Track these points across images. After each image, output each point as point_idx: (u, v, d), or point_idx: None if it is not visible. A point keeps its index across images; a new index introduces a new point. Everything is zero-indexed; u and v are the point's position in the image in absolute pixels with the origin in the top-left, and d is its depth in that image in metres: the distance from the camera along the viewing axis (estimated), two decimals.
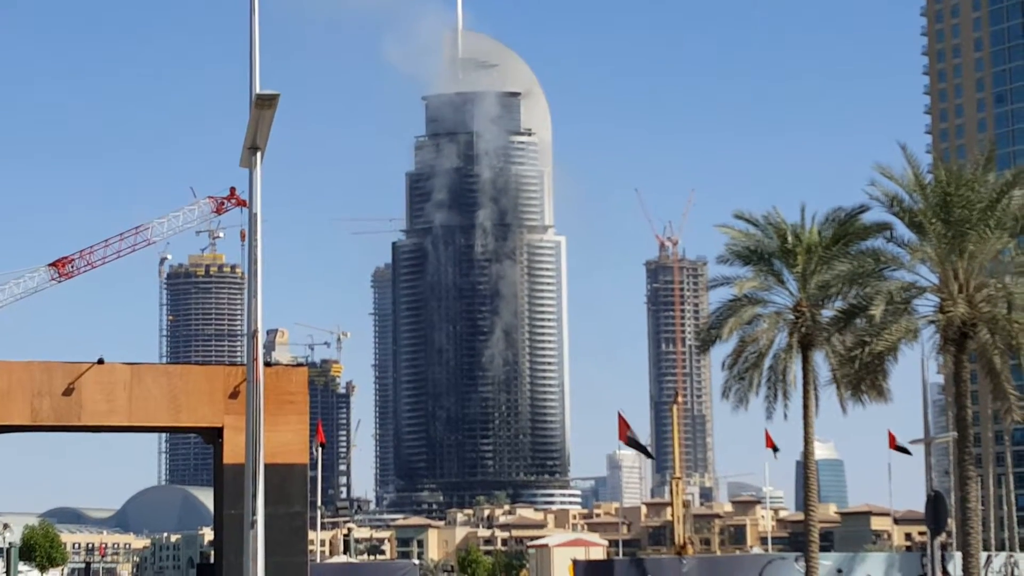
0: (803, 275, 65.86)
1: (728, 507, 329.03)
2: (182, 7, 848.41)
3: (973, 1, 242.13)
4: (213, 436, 40.61)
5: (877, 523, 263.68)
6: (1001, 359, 56.18)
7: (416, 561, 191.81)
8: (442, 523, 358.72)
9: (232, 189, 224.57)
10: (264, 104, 26.03)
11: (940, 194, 56.60)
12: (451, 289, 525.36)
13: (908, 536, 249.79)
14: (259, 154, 27.03)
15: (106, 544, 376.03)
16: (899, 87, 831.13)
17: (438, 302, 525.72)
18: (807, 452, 67.44)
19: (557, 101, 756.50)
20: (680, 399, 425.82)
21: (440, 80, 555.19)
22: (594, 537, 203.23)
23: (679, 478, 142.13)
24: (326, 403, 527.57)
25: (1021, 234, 58.65)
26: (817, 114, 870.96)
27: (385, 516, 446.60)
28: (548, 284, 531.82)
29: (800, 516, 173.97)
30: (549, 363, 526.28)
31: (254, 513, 26.58)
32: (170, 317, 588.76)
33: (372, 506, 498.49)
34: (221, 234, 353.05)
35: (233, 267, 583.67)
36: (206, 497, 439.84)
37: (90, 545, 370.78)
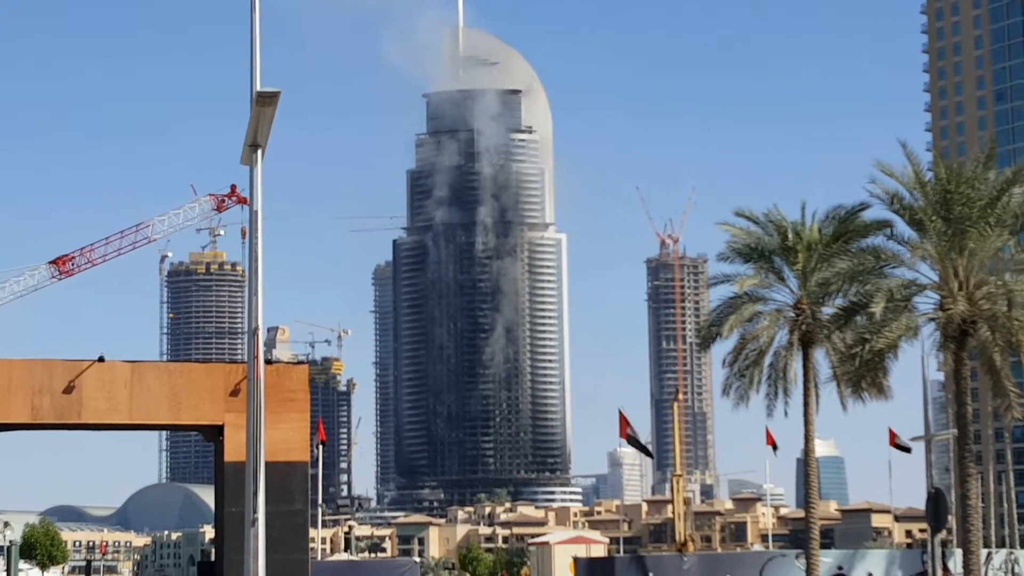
0: (803, 272, 65.89)
1: (729, 504, 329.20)
2: (183, 5, 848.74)
3: None
4: (214, 434, 40.62)
5: (878, 520, 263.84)
6: (1001, 356, 56.19)
7: (417, 559, 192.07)
8: (443, 521, 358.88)
9: (233, 187, 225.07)
10: (265, 101, 26.04)
11: (940, 192, 56.61)
12: (452, 286, 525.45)
13: (909, 533, 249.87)
14: (260, 152, 27.03)
15: (107, 542, 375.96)
16: (899, 84, 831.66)
17: (439, 299, 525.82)
18: (808, 449, 67.45)
19: (558, 98, 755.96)
20: (681, 396, 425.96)
21: (441, 77, 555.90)
22: (595, 535, 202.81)
23: (680, 475, 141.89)
24: (327, 401, 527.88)
25: (1021, 231, 58.66)
26: (817, 112, 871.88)
27: (386, 514, 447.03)
28: (549, 281, 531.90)
29: (801, 513, 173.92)
30: (550, 360, 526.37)
31: (255, 511, 26.60)
32: (171, 315, 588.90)
33: (373, 504, 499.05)
34: (222, 231, 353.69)
35: (234, 265, 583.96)
36: (207, 495, 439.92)
37: (91, 543, 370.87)
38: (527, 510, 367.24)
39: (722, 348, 68.42)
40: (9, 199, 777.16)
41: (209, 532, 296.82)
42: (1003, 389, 56.91)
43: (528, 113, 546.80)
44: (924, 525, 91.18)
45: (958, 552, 66.52)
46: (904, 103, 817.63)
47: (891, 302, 55.29)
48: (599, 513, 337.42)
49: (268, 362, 37.27)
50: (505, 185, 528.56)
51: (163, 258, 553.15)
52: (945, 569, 71.99)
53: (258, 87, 26.40)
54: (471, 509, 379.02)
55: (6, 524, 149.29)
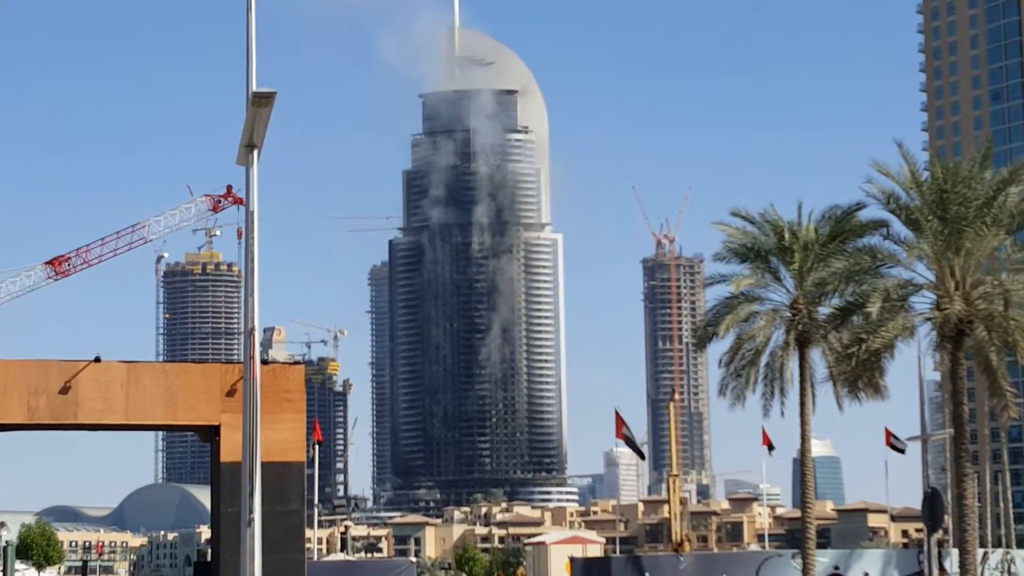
0: (800, 272, 65.90)
1: (725, 504, 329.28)
2: (179, 5, 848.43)
3: None
4: (210, 434, 40.60)
5: (874, 520, 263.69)
6: (997, 356, 56.20)
7: (413, 559, 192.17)
8: (439, 521, 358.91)
9: (229, 187, 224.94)
10: (261, 102, 26.02)
11: (936, 191, 56.60)
12: (448, 286, 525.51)
13: (905, 533, 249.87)
14: (256, 152, 27.00)
15: (103, 542, 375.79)
16: (895, 84, 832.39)
17: (435, 299, 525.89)
18: (804, 449, 67.45)
19: (554, 98, 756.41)
20: (677, 396, 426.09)
21: (437, 78, 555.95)
22: (591, 535, 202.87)
23: (676, 475, 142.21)
24: (323, 401, 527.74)
25: (1018, 231, 58.69)
26: (814, 111, 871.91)
27: (382, 514, 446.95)
28: (545, 281, 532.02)
29: (797, 513, 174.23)
30: (546, 360, 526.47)
31: (251, 511, 26.57)
32: (167, 315, 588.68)
33: (369, 504, 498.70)
34: (218, 232, 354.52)
35: (230, 265, 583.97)
36: (203, 495, 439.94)
37: (87, 543, 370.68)
38: (523, 510, 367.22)
39: (718, 348, 68.49)
40: (5, 199, 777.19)
41: (205, 532, 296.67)
42: (999, 389, 56.91)
43: (524, 113, 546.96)
44: (920, 525, 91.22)
45: (954, 552, 66.55)
46: (900, 103, 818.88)
47: (887, 302, 55.29)
48: (595, 513, 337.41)
49: (264, 362, 37.22)
50: (501, 185, 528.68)
51: (159, 258, 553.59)
52: (941, 569, 72.02)
53: (254, 88, 26.38)
54: (467, 509, 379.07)
55: (2, 524, 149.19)
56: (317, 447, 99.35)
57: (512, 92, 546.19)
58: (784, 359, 66.37)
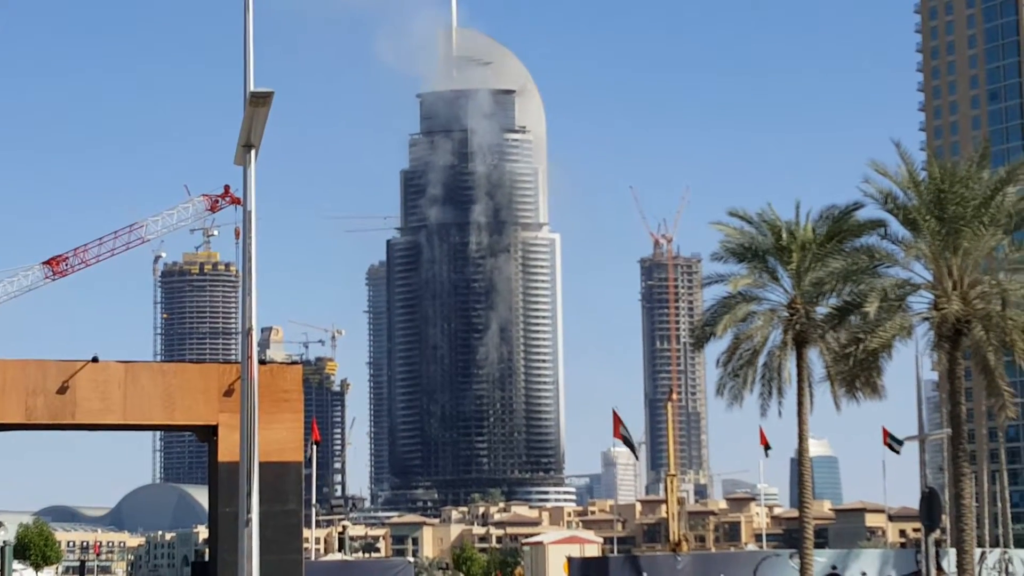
0: (797, 272, 65.89)
1: (723, 504, 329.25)
2: (177, 5, 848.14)
3: None
4: (208, 434, 40.58)
5: (871, 520, 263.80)
6: (995, 356, 56.19)
7: (411, 559, 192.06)
8: (437, 521, 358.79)
9: (226, 187, 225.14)
10: (258, 102, 26.02)
11: (934, 191, 56.59)
12: (445, 286, 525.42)
13: (903, 533, 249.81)
14: (253, 152, 26.99)
15: (101, 542, 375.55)
16: (893, 84, 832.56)
17: (432, 299, 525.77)
18: (801, 449, 67.45)
19: (551, 98, 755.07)
20: (675, 396, 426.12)
21: (434, 77, 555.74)
22: (589, 534, 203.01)
23: (674, 475, 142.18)
24: (321, 401, 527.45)
25: (1015, 231, 58.66)
26: (811, 111, 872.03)
27: (380, 514, 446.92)
28: (542, 281, 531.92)
29: (795, 513, 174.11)
30: (544, 360, 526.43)
31: (249, 511, 26.57)
32: (164, 315, 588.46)
33: (367, 504, 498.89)
34: (215, 232, 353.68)
35: (227, 265, 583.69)
36: (201, 495, 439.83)
37: (85, 543, 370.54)
38: (521, 510, 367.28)
39: (716, 348, 68.50)
40: (3, 199, 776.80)
41: (203, 532, 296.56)
42: (997, 388, 56.90)
43: (522, 113, 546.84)
44: (918, 525, 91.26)
45: (952, 551, 66.55)
46: (898, 102, 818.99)
47: (885, 301, 55.29)
48: (593, 513, 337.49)
49: (262, 362, 37.23)
50: (499, 185, 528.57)
51: (157, 258, 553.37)
52: (939, 568, 72.03)
53: (252, 87, 26.38)
54: (465, 509, 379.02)
55: (0, 524, 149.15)
56: (315, 447, 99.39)
57: (510, 92, 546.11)
58: (782, 359, 66.38)
